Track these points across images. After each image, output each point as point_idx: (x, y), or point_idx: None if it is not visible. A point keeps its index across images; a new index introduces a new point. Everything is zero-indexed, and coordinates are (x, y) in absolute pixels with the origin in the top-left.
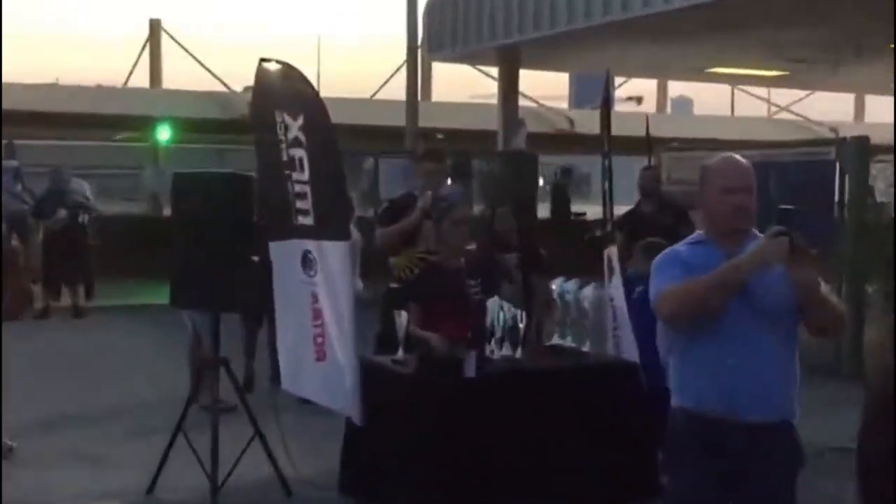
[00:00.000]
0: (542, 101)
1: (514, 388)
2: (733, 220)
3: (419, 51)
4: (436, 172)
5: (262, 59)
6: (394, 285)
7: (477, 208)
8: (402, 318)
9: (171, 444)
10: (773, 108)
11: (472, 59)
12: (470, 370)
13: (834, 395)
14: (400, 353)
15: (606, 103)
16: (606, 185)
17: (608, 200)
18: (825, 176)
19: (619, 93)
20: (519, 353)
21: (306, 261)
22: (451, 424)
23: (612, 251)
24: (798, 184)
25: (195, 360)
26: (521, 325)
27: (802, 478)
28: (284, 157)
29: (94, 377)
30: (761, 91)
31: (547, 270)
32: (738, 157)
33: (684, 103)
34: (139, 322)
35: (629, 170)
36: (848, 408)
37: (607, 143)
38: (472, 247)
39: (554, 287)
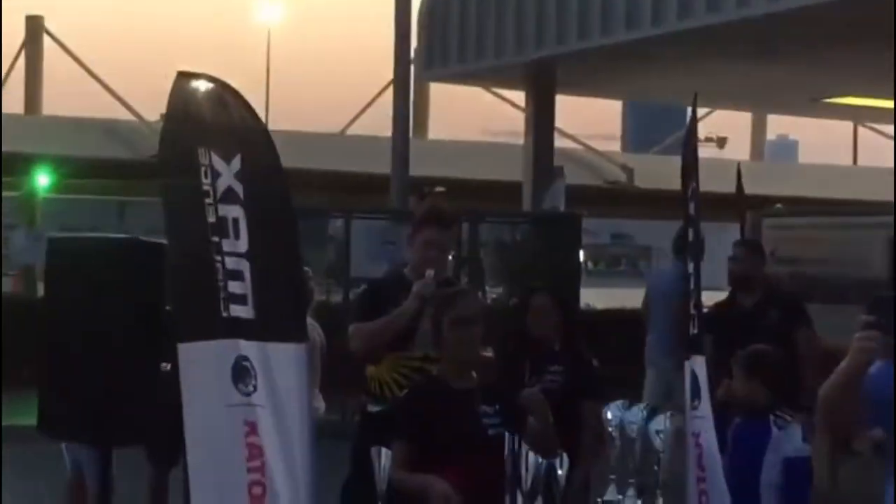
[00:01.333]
0: (586, 142)
1: None
2: None
3: (411, 67)
4: (441, 243)
5: (181, 73)
6: (372, 408)
7: (494, 294)
8: (382, 457)
9: None
10: None
11: (487, 79)
12: None
13: None
14: None
15: (692, 145)
16: (691, 265)
17: (695, 287)
18: None
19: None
20: None
21: (240, 371)
22: None
23: (697, 363)
24: None
25: None
26: (561, 473)
27: None
28: (211, 218)
29: None
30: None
31: (599, 390)
32: None
33: (786, 147)
34: None
35: (709, 242)
36: None
37: (694, 204)
38: (487, 353)
39: (609, 416)
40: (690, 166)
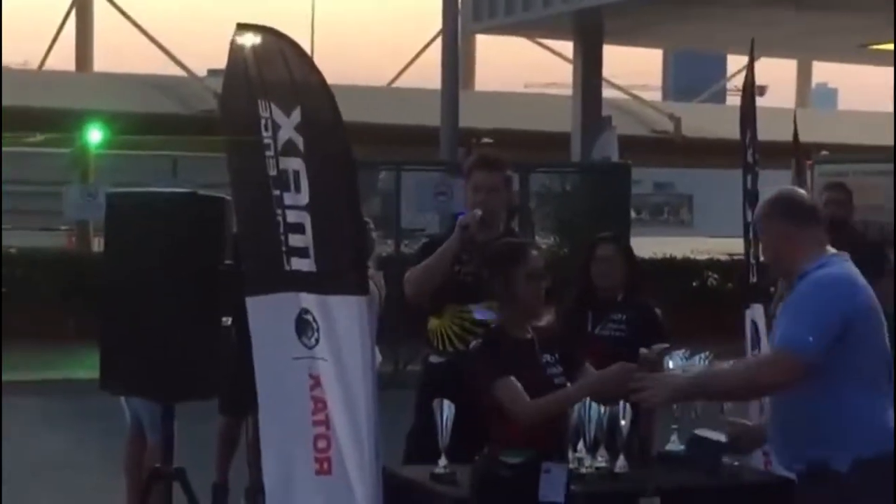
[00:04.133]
0: (633, 92)
1: None
2: None
3: (459, 18)
4: (489, 186)
5: (240, 25)
6: (434, 359)
7: (544, 245)
8: (445, 408)
9: None
10: None
11: (534, 30)
12: (555, 492)
13: None
14: (443, 463)
15: (751, 90)
16: (750, 213)
17: (753, 237)
18: None
19: (736, 81)
20: (621, 465)
21: (303, 325)
22: None
23: (757, 312)
24: None
25: (136, 469)
26: (624, 423)
27: None
28: (272, 171)
29: None
30: None
31: (664, 340)
32: None
33: (826, 95)
34: (55, 408)
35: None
36: None
37: (752, 151)
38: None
39: (671, 365)
40: (748, 114)
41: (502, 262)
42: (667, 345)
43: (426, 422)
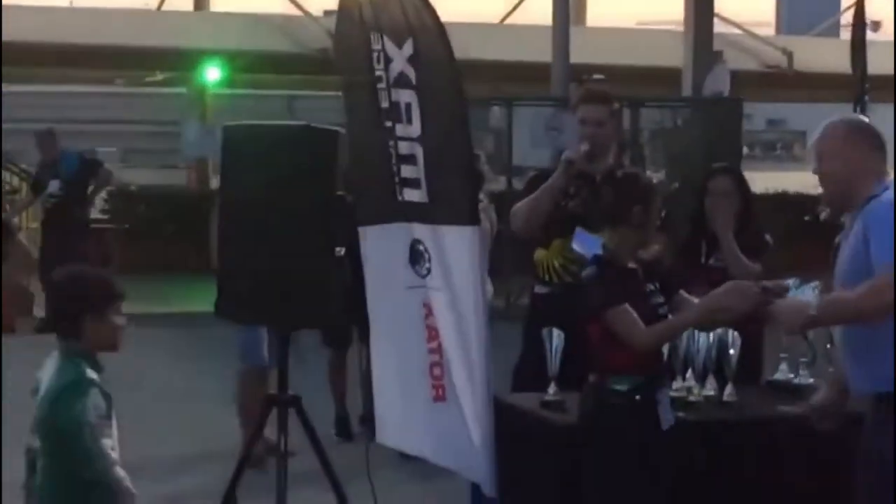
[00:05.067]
0: (745, 27)
1: (725, 447)
2: None
3: None
4: (595, 119)
5: None
6: (539, 289)
7: (655, 179)
8: (554, 337)
9: None
10: None
11: None
12: (667, 418)
13: None
14: (552, 390)
15: (862, 23)
16: None
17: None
18: None
19: (849, 15)
20: (729, 394)
21: (415, 254)
22: (636, 499)
23: None
24: None
25: (251, 398)
26: (733, 352)
27: None
28: (384, 103)
29: None
30: None
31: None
32: None
33: None
34: (175, 339)
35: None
36: None
37: (861, 83)
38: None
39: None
40: (859, 48)
41: (623, 192)
42: (789, 282)
43: (533, 351)
